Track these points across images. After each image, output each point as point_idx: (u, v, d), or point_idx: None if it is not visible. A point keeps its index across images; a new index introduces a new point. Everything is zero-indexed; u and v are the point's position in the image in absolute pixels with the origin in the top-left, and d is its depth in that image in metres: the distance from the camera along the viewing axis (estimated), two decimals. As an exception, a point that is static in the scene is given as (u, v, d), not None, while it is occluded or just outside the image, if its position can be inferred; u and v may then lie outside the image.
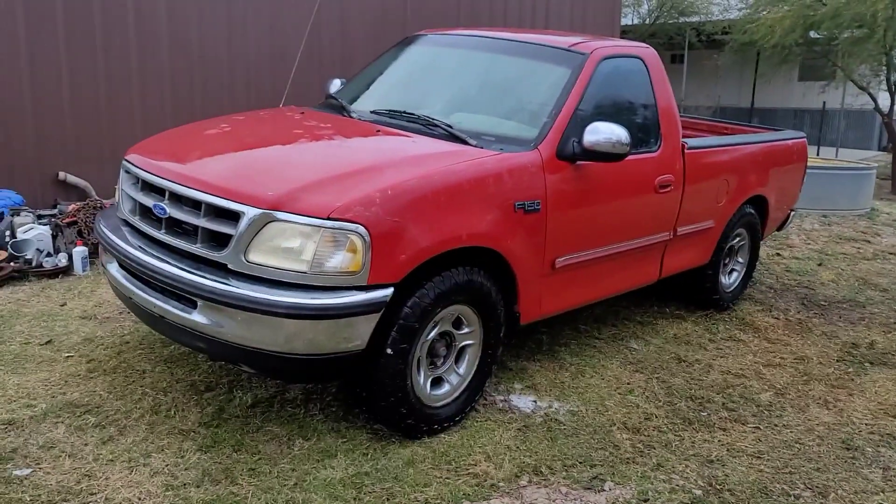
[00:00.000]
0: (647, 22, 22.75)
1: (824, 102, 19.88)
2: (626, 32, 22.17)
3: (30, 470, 3.09)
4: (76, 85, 6.79)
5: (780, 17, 15.41)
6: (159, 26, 7.19)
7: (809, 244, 8.12)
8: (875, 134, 21.92)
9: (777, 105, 23.57)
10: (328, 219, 3.08)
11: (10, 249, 5.57)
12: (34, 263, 5.57)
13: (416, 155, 3.70)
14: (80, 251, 5.69)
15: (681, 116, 7.26)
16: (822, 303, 6.17)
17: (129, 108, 7.14)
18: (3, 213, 5.97)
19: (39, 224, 5.96)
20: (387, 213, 3.19)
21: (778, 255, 7.58)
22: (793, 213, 6.54)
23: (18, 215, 5.98)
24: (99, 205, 6.12)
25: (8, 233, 5.72)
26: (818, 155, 17.25)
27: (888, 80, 15.27)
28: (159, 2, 7.15)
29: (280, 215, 3.12)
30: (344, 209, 3.11)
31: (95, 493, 2.97)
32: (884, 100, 16.00)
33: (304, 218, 3.10)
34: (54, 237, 5.90)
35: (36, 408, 3.56)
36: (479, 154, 3.71)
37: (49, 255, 5.72)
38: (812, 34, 16.41)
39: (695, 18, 21.89)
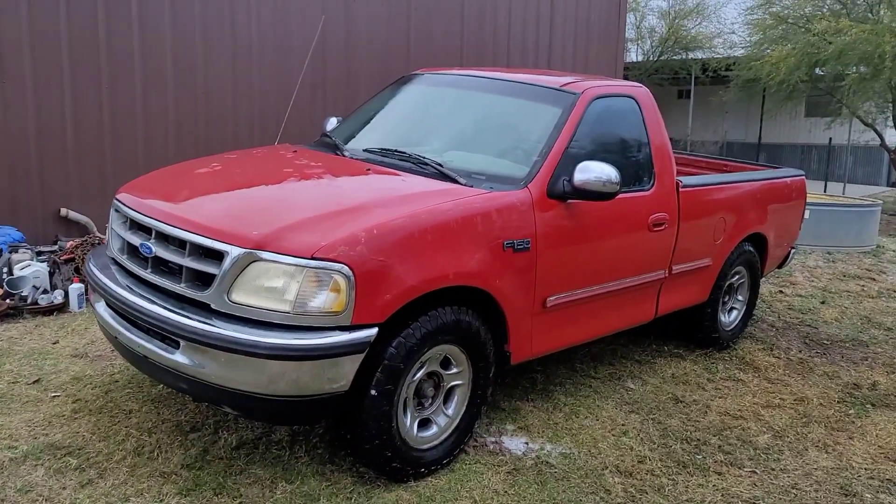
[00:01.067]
0: (650, 58, 22.89)
1: (830, 139, 19.88)
2: (631, 69, 22.35)
3: (5, 514, 3.05)
4: (80, 121, 6.84)
5: (785, 56, 15.52)
6: (164, 65, 7.26)
7: (813, 281, 8.04)
8: (884, 170, 21.87)
9: (784, 141, 23.59)
10: (312, 258, 3.06)
11: (5, 286, 5.57)
12: (30, 300, 5.57)
13: (404, 194, 3.68)
14: (75, 288, 5.69)
15: (679, 154, 7.28)
16: (825, 342, 6.08)
17: (132, 144, 7.18)
18: (1, 249, 5.99)
19: (38, 261, 5.96)
20: (372, 253, 3.16)
21: (780, 292, 7.50)
22: (793, 250, 6.48)
23: (17, 252, 5.99)
24: (97, 241, 6.13)
25: (5, 270, 5.73)
26: (825, 191, 17.20)
27: (894, 116, 15.29)
28: (164, 40, 7.23)
29: (263, 255, 3.10)
30: (328, 249, 3.09)
31: (70, 538, 2.91)
32: (890, 136, 16.01)
33: (287, 258, 3.08)
34: (51, 274, 5.90)
35: (17, 449, 3.52)
36: (467, 193, 3.70)
37: (45, 291, 5.71)
38: (817, 71, 16.49)
39: (699, 54, 22.02)
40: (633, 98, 4.67)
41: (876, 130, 15.93)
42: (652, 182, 4.59)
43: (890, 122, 15.51)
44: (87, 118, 6.88)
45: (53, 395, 4.13)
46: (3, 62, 6.35)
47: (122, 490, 3.24)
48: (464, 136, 4.47)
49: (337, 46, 8.37)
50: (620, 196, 4.10)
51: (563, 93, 4.33)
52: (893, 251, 10.10)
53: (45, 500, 3.14)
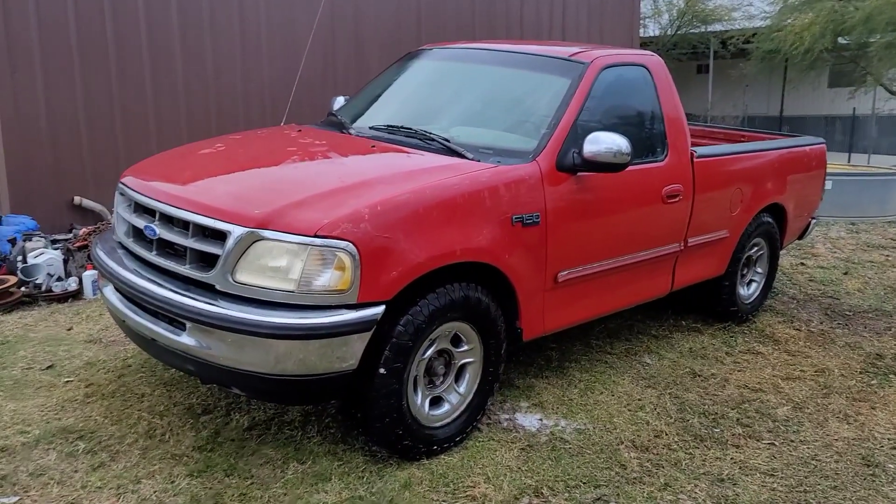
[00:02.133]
0: (668, 32, 22.55)
1: (854, 108, 19.51)
2: (648, 44, 22.00)
3: (17, 498, 3.05)
4: (92, 109, 6.84)
5: (809, 24, 15.20)
6: (173, 49, 7.24)
7: (835, 253, 7.89)
8: (909, 140, 21.45)
9: (807, 113, 23.19)
10: (315, 236, 3.02)
11: (20, 274, 5.60)
12: (44, 288, 5.60)
13: (409, 170, 3.62)
14: (89, 275, 5.70)
15: (698, 126, 7.15)
16: (847, 313, 5.96)
17: (144, 130, 7.18)
18: (16, 238, 6.02)
19: (52, 249, 5.99)
20: (376, 230, 3.11)
21: (802, 264, 7.37)
22: (814, 220, 6.35)
23: (31, 240, 6.01)
24: (103, 232, 6.13)
25: (20, 258, 5.76)
26: (849, 162, 16.92)
27: (920, 84, 14.98)
28: (172, 24, 7.20)
29: (266, 234, 3.06)
30: (331, 226, 3.04)
31: (81, 521, 2.92)
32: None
33: (290, 236, 3.04)
34: (66, 261, 5.92)
35: (29, 434, 3.53)
36: (474, 167, 3.63)
37: (59, 279, 5.74)
38: (841, 40, 16.16)
39: (717, 27, 21.65)
40: (645, 67, 4.57)
41: (901, 99, 15.60)
42: (665, 153, 4.50)
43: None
44: (98, 106, 6.88)
45: (66, 380, 4.14)
46: (13, 54, 6.35)
47: (133, 472, 3.24)
48: (471, 111, 4.40)
49: (345, 22, 8.29)
50: (632, 168, 4.03)
51: (571, 63, 4.24)
52: (919, 220, 9.89)
53: (57, 484, 3.14)
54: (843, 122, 21.79)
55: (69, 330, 4.94)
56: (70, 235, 6.54)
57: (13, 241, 5.98)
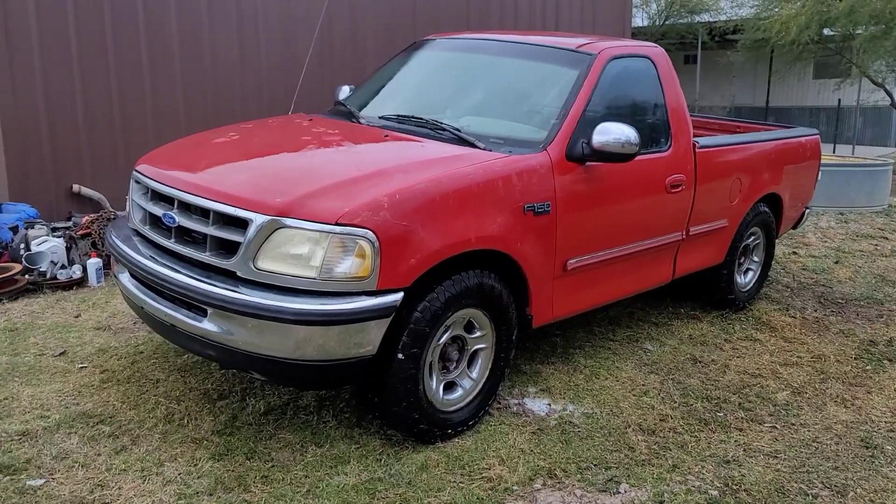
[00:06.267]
0: (657, 23, 22.67)
1: (839, 100, 19.73)
2: (637, 34, 22.10)
3: (43, 480, 3.10)
4: (89, 98, 6.84)
5: (795, 14, 15.34)
6: (170, 39, 7.23)
7: (826, 242, 8.04)
8: (893, 130, 21.73)
9: (792, 104, 23.42)
10: (336, 224, 3.08)
11: (24, 262, 5.61)
12: (48, 276, 5.62)
13: (425, 159, 3.69)
14: (94, 263, 5.73)
15: (693, 116, 7.24)
16: (840, 300, 6.10)
17: (142, 119, 7.18)
18: (17, 225, 6.02)
19: (54, 236, 6.00)
20: (395, 218, 3.18)
21: (794, 253, 7.51)
22: (808, 210, 6.48)
23: (33, 228, 6.02)
24: (112, 216, 6.16)
25: (23, 245, 5.77)
26: (834, 153, 17.10)
27: (905, 75, 15.17)
28: (170, 14, 7.19)
29: (288, 222, 3.12)
30: (352, 214, 3.10)
31: (108, 503, 2.97)
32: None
33: (312, 224, 3.10)
34: (68, 249, 5.94)
35: (49, 419, 3.58)
36: (487, 157, 3.70)
37: (63, 267, 5.75)
38: (826, 31, 16.32)
39: (705, 17, 21.81)
40: (650, 58, 4.65)
41: (886, 90, 15.80)
42: (669, 143, 4.59)
43: (900, 82, 15.41)
44: (96, 94, 6.88)
45: (81, 366, 4.18)
46: (11, 41, 6.33)
47: (156, 455, 3.30)
48: (480, 101, 4.46)
49: (341, 11, 8.31)
50: (638, 158, 4.10)
51: (579, 54, 4.31)
52: (906, 210, 10.08)
53: (82, 467, 3.20)
54: (827, 113, 22.02)
55: (77, 317, 4.98)
56: (69, 223, 6.55)
57: (14, 229, 5.99)
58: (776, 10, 16.49)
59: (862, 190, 9.87)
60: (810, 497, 3.30)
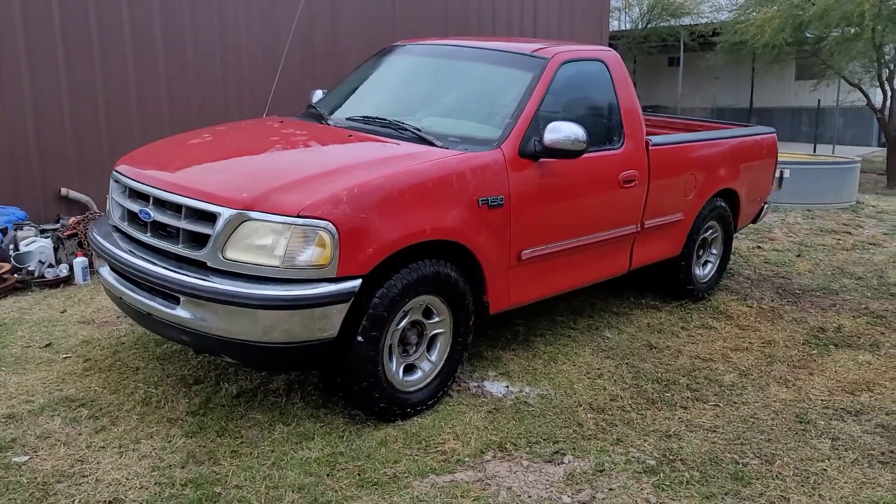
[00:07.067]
0: (639, 26, 23.00)
1: (819, 100, 20.06)
2: (619, 38, 22.47)
3: (27, 457, 3.34)
4: (76, 103, 7.07)
5: (770, 17, 15.65)
6: (155, 45, 7.47)
7: (790, 237, 8.32)
8: (874, 130, 22.07)
9: (774, 105, 23.76)
10: (298, 216, 3.33)
11: (13, 262, 5.85)
12: (36, 274, 5.86)
13: (384, 157, 3.95)
14: (80, 262, 5.97)
15: (658, 116, 7.55)
16: (797, 291, 6.37)
17: (127, 124, 7.41)
18: (7, 227, 6.26)
19: (42, 237, 6.24)
20: (353, 210, 3.44)
21: (759, 247, 7.78)
22: (766, 205, 6.75)
23: (21, 229, 6.26)
24: (98, 217, 6.39)
25: (12, 246, 6.00)
26: (815, 152, 17.43)
27: (879, 76, 15.47)
28: (155, 21, 7.43)
29: (253, 214, 3.37)
30: (313, 207, 3.36)
31: (87, 476, 3.21)
32: (876, 96, 16.19)
33: (275, 216, 3.36)
34: (56, 249, 6.18)
35: (34, 403, 3.82)
36: (443, 154, 3.96)
37: (51, 266, 6.00)
38: (807, 34, 16.63)
39: (686, 20, 22.14)
40: (603, 62, 4.92)
41: (862, 90, 16.10)
42: (622, 141, 4.85)
43: (876, 82, 15.68)
44: (83, 99, 7.10)
45: (65, 356, 4.43)
46: (-1, 47, 6.57)
47: (133, 434, 3.55)
48: (441, 102, 4.73)
49: (323, 17, 8.57)
50: (591, 154, 4.38)
51: (533, 58, 4.58)
52: (873, 206, 10.37)
53: (63, 445, 3.44)
54: (808, 113, 22.36)
55: (63, 312, 5.22)
56: (57, 225, 6.79)
57: (4, 231, 6.23)
58: (753, 13, 16.80)
59: (829, 187, 10.17)
60: (740, 465, 3.55)
